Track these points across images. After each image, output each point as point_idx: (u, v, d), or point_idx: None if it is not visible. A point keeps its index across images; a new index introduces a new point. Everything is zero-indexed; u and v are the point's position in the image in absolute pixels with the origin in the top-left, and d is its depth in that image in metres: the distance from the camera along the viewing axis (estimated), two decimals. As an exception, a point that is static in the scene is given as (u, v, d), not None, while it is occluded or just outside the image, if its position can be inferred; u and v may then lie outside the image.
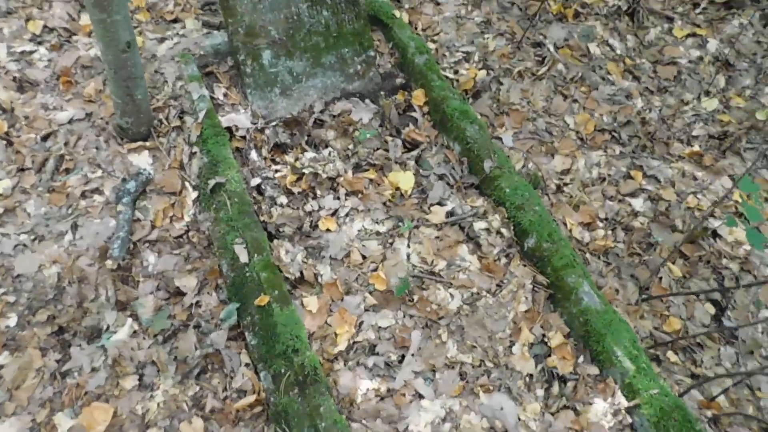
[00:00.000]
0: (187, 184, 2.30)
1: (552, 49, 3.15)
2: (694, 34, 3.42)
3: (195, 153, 2.32)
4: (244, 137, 2.43)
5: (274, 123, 2.51)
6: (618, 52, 3.26)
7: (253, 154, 2.38)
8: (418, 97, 2.72)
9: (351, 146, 2.48)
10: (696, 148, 2.88)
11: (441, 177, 2.47)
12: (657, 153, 2.86)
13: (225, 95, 2.59)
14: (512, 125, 2.85)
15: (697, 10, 3.57)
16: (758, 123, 2.92)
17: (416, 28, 3.16)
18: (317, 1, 2.67)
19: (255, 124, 2.48)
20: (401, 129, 2.63)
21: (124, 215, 2.17)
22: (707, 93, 3.16)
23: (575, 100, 3.00)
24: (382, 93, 2.79)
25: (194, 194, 2.27)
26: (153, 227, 2.21)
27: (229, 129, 2.43)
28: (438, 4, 3.29)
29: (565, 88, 3.02)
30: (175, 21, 2.86)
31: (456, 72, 2.94)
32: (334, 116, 2.58)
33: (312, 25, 2.68)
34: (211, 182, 2.19)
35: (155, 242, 2.19)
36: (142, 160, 2.35)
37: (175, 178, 2.31)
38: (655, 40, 3.36)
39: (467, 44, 3.12)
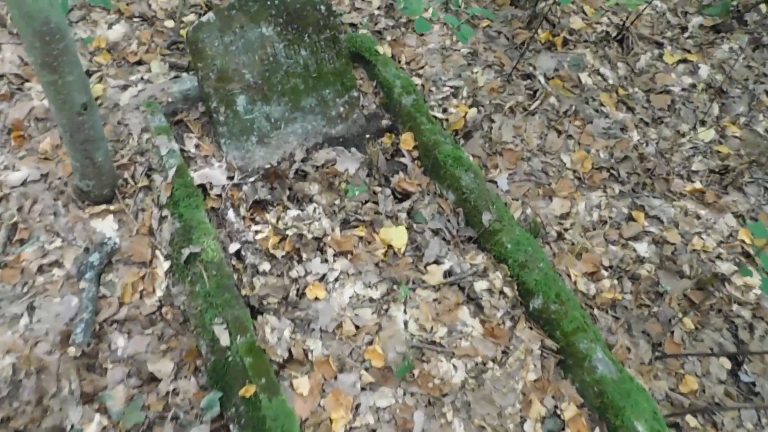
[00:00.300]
0: (158, 252, 2.08)
1: (543, 81, 3.00)
2: (685, 60, 3.31)
3: (166, 217, 2.10)
4: (219, 195, 2.22)
5: (252, 178, 2.30)
6: (610, 81, 3.12)
7: (231, 215, 2.17)
8: (407, 141, 2.53)
9: (337, 201, 2.29)
10: (697, 184, 2.75)
11: (436, 232, 2.28)
12: (658, 191, 2.72)
13: (197, 146, 2.37)
14: (506, 166, 2.69)
15: (686, 35, 3.47)
16: (760, 158, 2.81)
17: (400, 62, 2.98)
18: (294, 40, 2.47)
19: (231, 179, 2.26)
20: (390, 177, 2.44)
21: (88, 293, 1.93)
22: (702, 123, 3.05)
23: (570, 136, 2.85)
24: (367, 136, 2.60)
25: (166, 264, 2.05)
26: (121, 304, 1.98)
27: (202, 186, 2.21)
28: (422, 35, 3.12)
29: (559, 123, 2.87)
30: (139, 63, 2.63)
31: (445, 110, 2.77)
32: (317, 167, 2.38)
33: (289, 66, 2.48)
34: (185, 252, 1.97)
35: (124, 322, 1.96)
36: (107, 226, 2.12)
37: (145, 246, 2.08)
38: (646, 67, 3.24)
39: (454, 78, 2.95)
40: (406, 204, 2.37)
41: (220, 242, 2.07)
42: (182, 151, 2.32)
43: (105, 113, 2.38)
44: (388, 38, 3.03)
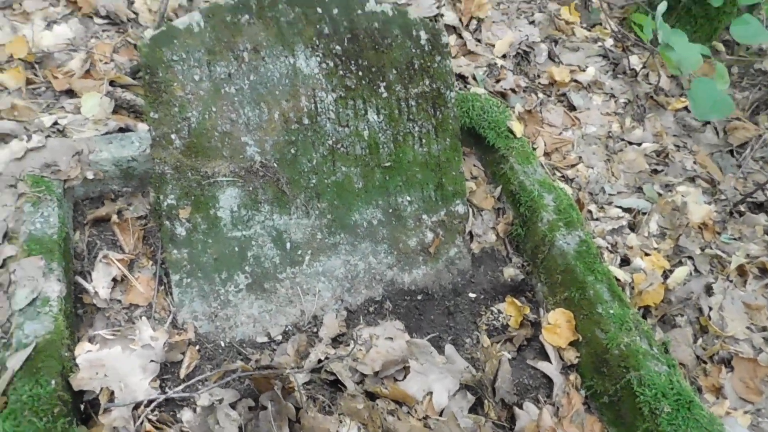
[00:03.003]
0: None
1: (790, 220, 1.66)
2: None
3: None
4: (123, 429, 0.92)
5: (208, 385, 1.00)
6: None
7: (134, 496, 0.87)
8: (558, 329, 1.21)
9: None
10: None
11: None
12: None
13: (117, 283, 1.11)
14: (741, 393, 1.33)
15: None
16: None
17: (534, 149, 1.69)
18: (358, 90, 1.22)
19: (164, 387, 0.98)
20: (517, 405, 1.11)
21: None
22: None
23: None
24: (471, 297, 1.29)
25: None
26: None
27: (87, 402, 0.94)
28: (573, 108, 1.84)
29: (829, 309, 1.50)
30: (68, 93, 1.42)
31: (624, 260, 1.44)
32: (363, 376, 1.07)
33: (341, 139, 1.22)
34: None
35: None
36: None
37: None
38: None
39: (630, 191, 1.64)
40: (553, 492, 1.02)
41: None
42: (79, 295, 1.06)
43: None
44: (518, 108, 1.76)
